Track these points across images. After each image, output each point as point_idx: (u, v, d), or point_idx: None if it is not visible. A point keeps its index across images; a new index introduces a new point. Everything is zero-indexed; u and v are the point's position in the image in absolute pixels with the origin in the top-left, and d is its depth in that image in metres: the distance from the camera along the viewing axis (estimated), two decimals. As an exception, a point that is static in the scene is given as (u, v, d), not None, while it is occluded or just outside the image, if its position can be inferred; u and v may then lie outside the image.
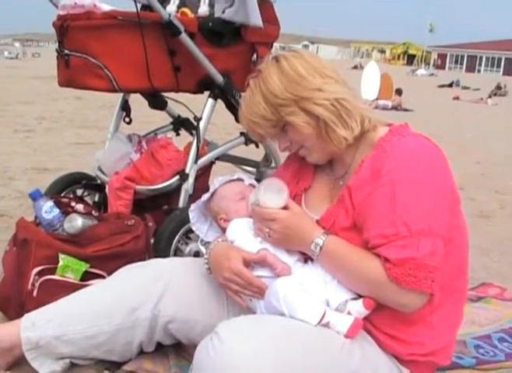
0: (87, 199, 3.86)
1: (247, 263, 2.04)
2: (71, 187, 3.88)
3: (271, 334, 1.86)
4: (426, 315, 2.02)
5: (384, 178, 1.92)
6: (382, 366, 2.04)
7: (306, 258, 2.09)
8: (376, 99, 21.43)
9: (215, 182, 2.31)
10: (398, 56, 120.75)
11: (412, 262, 1.83)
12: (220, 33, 3.39)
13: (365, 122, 2.06)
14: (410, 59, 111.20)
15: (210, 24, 3.36)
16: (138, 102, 4.00)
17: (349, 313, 1.94)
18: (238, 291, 2.05)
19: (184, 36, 3.19)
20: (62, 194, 3.74)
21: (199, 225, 2.35)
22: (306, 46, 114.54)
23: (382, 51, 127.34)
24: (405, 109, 20.03)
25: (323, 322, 1.91)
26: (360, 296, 1.97)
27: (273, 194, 2.04)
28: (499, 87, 37.64)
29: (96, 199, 3.83)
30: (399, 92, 21.26)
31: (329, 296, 1.98)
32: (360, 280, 1.95)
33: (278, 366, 1.79)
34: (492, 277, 4.07)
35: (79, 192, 3.91)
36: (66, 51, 3.13)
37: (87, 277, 2.70)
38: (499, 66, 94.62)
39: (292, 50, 2.13)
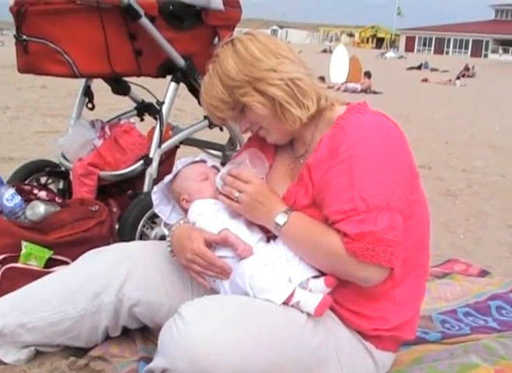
0: (51, 186, 3.82)
1: (209, 244, 2.05)
2: (34, 175, 3.84)
3: (234, 314, 1.89)
4: (388, 290, 2.04)
5: (341, 155, 1.93)
6: (346, 342, 2.06)
7: (269, 237, 2.10)
8: (346, 82, 21.53)
9: (177, 163, 2.32)
10: (367, 39, 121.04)
11: (370, 236, 1.85)
12: (181, 17, 3.37)
13: (321, 100, 2.07)
14: (379, 42, 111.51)
15: (171, 7, 3.33)
16: (105, 89, 3.97)
17: (311, 291, 1.95)
18: (201, 272, 2.06)
19: (145, 20, 3.16)
20: (26, 182, 3.70)
21: (162, 208, 2.35)
22: (275, 30, 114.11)
23: (351, 35, 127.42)
24: (374, 92, 20.09)
25: (293, 301, 1.92)
26: (322, 274, 1.98)
27: (257, 162, 2.10)
28: (467, 68, 37.91)
29: (61, 186, 3.80)
30: (368, 74, 21.32)
31: (291, 274, 1.99)
32: (321, 254, 1.97)
33: (241, 345, 1.81)
34: (459, 254, 4.12)
35: (43, 179, 3.88)
36: (24, 37, 3.10)
37: (51, 263, 2.68)
38: (467, 48, 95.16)
39: (247, 33, 2.14)
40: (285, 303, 1.92)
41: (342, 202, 1.89)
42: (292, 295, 1.92)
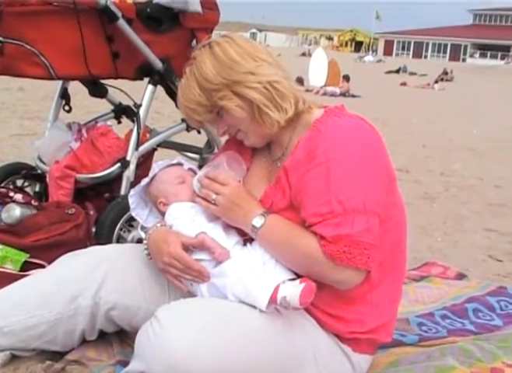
0: (28, 189, 3.80)
1: (186, 247, 2.04)
2: (10, 178, 3.81)
3: (211, 317, 1.88)
4: (365, 293, 2.05)
5: (319, 158, 1.93)
6: (323, 345, 2.07)
7: (245, 240, 2.10)
8: (325, 85, 21.54)
9: (154, 166, 2.30)
10: (346, 43, 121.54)
11: (346, 239, 1.85)
12: (159, 19, 3.38)
13: (299, 103, 2.07)
14: (358, 46, 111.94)
15: (148, 10, 3.33)
16: (83, 91, 3.95)
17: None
18: (178, 275, 2.05)
19: (122, 22, 3.15)
20: (2, 185, 3.67)
21: (139, 211, 2.34)
22: (254, 34, 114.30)
23: (330, 38, 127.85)
24: (353, 95, 20.16)
25: (279, 298, 1.89)
26: (299, 276, 1.98)
27: (234, 164, 2.09)
28: (445, 72, 38.18)
29: (37, 189, 3.78)
30: (347, 78, 21.38)
31: (268, 277, 1.98)
32: (298, 257, 1.97)
33: (218, 348, 1.81)
34: (436, 257, 4.14)
35: (19, 182, 3.85)
36: (0, 38, 3.07)
37: (27, 267, 2.67)
38: (445, 52, 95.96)
39: (225, 36, 2.13)
40: (273, 302, 1.90)
41: (319, 205, 1.90)
42: (276, 293, 1.90)
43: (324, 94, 20.19)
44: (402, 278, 2.29)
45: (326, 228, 1.87)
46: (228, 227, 2.10)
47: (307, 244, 1.91)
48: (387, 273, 2.08)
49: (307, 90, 19.93)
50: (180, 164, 2.33)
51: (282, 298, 1.89)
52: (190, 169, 2.31)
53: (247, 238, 2.09)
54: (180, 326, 1.81)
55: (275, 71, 2.06)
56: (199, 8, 3.41)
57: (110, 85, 3.86)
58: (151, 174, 2.29)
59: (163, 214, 2.22)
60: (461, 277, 3.64)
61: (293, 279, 1.97)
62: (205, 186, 2.07)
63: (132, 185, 3.22)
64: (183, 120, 3.65)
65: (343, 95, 20.21)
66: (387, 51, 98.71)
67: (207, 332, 1.82)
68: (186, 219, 2.12)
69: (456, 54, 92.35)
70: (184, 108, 2.13)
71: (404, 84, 29.58)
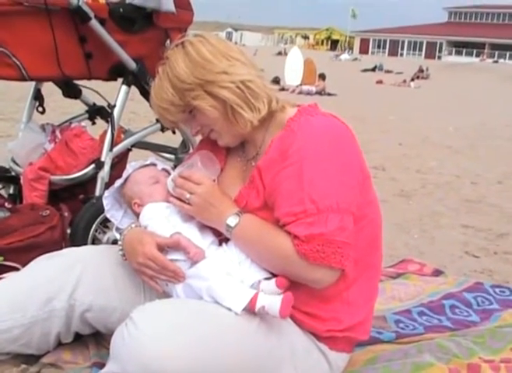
0: (2, 191, 3.76)
1: (161, 248, 2.03)
2: (-17, 180, 3.78)
3: (186, 318, 1.88)
4: (341, 291, 2.06)
5: (292, 157, 1.93)
6: (300, 344, 2.07)
7: (220, 241, 2.09)
8: (301, 84, 21.57)
9: (128, 167, 2.30)
10: (322, 41, 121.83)
11: (320, 238, 1.85)
12: (132, 19, 3.35)
13: (272, 102, 2.07)
14: (334, 44, 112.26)
15: (121, 10, 3.31)
16: (58, 92, 3.92)
17: (262, 292, 1.94)
18: (153, 275, 2.05)
19: (95, 23, 3.14)
20: (-26, 188, 3.64)
21: (113, 212, 2.33)
22: (229, 33, 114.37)
23: (305, 37, 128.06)
24: (329, 94, 20.22)
25: (257, 307, 1.89)
26: (274, 276, 1.98)
27: (208, 163, 2.08)
28: (421, 70, 38.46)
29: (11, 191, 3.74)
30: (323, 77, 21.43)
31: (243, 276, 1.98)
32: (272, 256, 1.97)
33: (192, 349, 1.80)
34: (413, 254, 4.17)
35: (-7, 185, 3.81)
36: (-29, 40, 3.04)
37: (1, 270, 2.64)
38: (421, 50, 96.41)
39: (198, 35, 2.12)
40: (251, 310, 1.91)
41: (292, 204, 1.90)
42: (254, 301, 1.90)
43: (300, 93, 20.22)
44: (378, 276, 2.30)
45: (299, 228, 1.87)
46: (203, 227, 2.09)
47: (281, 243, 1.91)
48: (362, 271, 2.09)
49: (283, 89, 19.97)
50: (153, 164, 2.32)
51: (261, 307, 1.90)
52: (163, 170, 2.30)
53: (222, 239, 2.09)
54: (155, 327, 1.80)
55: (248, 70, 2.05)
56: (173, 8, 3.39)
57: (83, 86, 3.84)
58: (124, 175, 2.28)
59: (137, 214, 2.21)
60: (437, 273, 3.67)
61: (268, 278, 1.97)
62: (179, 186, 2.06)
63: (107, 186, 3.20)
64: (157, 120, 3.64)
65: (319, 93, 20.26)
66: (363, 49, 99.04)
67: (181, 332, 1.81)
68: (161, 219, 2.11)
69: (431, 51, 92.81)
70: (157, 108, 2.12)
71: (380, 82, 29.73)
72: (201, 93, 2.01)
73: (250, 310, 1.90)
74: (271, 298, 1.91)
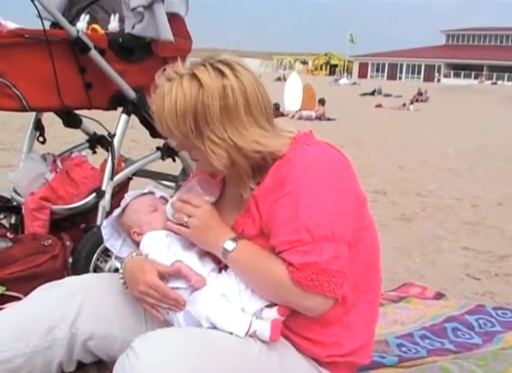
0: (3, 221, 3.78)
1: (162, 276, 2.03)
2: (-15, 211, 3.80)
3: (188, 347, 1.86)
4: (341, 316, 2.05)
5: (288, 186, 1.93)
6: (301, 370, 2.06)
7: (221, 268, 2.10)
8: (300, 109, 21.62)
9: (126, 196, 2.30)
10: (321, 66, 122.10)
11: (314, 266, 1.86)
12: (131, 49, 3.40)
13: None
14: (332, 69, 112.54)
15: (120, 40, 3.36)
16: (58, 122, 3.95)
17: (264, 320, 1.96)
18: (154, 304, 2.04)
19: (94, 53, 3.18)
20: (-23, 218, 3.66)
21: (113, 242, 2.33)
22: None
23: (304, 62, 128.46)
24: (329, 119, 20.29)
25: (251, 331, 1.92)
26: (275, 303, 1.98)
27: (207, 187, 2.09)
28: (420, 93, 38.53)
29: (13, 221, 3.76)
30: (322, 102, 21.50)
31: (244, 304, 1.99)
32: (267, 282, 1.97)
33: (195, 376, 1.79)
34: (414, 278, 4.17)
35: (-5, 215, 3.83)
36: (-28, 71, 3.07)
37: (3, 300, 2.65)
38: (419, 73, 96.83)
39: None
40: (246, 334, 1.92)
41: (288, 233, 1.90)
42: (250, 326, 1.92)
43: (300, 118, 20.29)
44: (378, 299, 2.29)
45: (294, 256, 1.88)
46: (203, 255, 2.10)
47: (276, 270, 1.92)
48: (361, 296, 2.09)
49: (283, 114, 20.02)
50: (151, 193, 2.32)
51: (253, 332, 1.92)
52: (162, 197, 2.30)
53: (221, 266, 2.09)
54: (156, 357, 1.79)
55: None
56: (171, 37, 3.43)
57: (84, 116, 3.86)
58: (123, 204, 2.28)
59: (137, 243, 2.21)
60: (439, 296, 3.67)
61: (269, 306, 1.98)
62: (178, 209, 2.06)
63: (108, 215, 3.22)
64: (157, 149, 3.66)
65: (319, 118, 20.33)
66: (362, 74, 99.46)
67: (183, 361, 1.81)
68: (161, 248, 2.11)
69: (430, 74, 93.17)
70: (164, 121, 1.99)
71: (379, 106, 29.81)
72: (221, 143, 1.96)
73: (246, 334, 1.92)
74: (262, 323, 1.94)
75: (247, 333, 1.92)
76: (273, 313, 1.96)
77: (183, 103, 1.93)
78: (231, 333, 1.92)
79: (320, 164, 1.97)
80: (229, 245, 1.99)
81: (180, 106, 1.94)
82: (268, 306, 1.98)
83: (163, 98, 1.97)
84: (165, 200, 2.27)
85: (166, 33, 3.41)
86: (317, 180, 1.93)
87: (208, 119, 1.94)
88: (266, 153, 1.99)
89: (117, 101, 3.46)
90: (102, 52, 3.24)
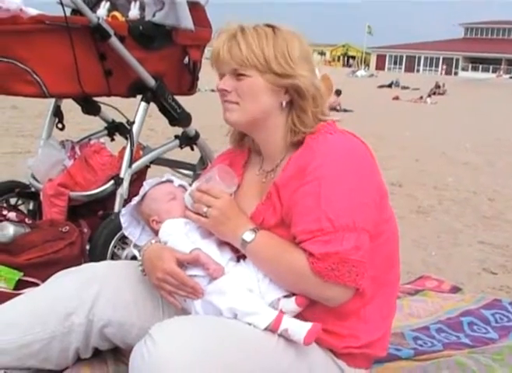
0: (22, 207, 3.80)
1: (181, 264, 2.03)
2: (4, 196, 3.81)
3: (205, 334, 1.86)
4: (358, 309, 2.05)
5: (310, 175, 1.92)
6: (318, 360, 2.05)
7: (239, 257, 2.10)
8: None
9: (144, 185, 2.29)
10: (338, 58, 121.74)
11: (335, 256, 1.85)
12: (151, 36, 3.39)
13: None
14: (349, 61, 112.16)
15: (140, 27, 3.35)
16: (77, 109, 3.96)
17: (282, 311, 1.95)
18: (172, 291, 2.04)
19: (114, 40, 3.17)
20: (-5, 203, 3.67)
21: (131, 230, 2.33)
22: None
23: (322, 53, 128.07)
24: (345, 110, 20.19)
25: (280, 329, 1.90)
26: (293, 294, 1.98)
27: (226, 177, 2.07)
28: (437, 86, 38.27)
29: (31, 207, 3.78)
30: (338, 92, 21.41)
31: (262, 293, 1.98)
32: (286, 273, 1.96)
33: (212, 365, 1.79)
34: (430, 271, 4.15)
35: (13, 201, 3.85)
36: (-8, 56, 3.08)
37: (21, 285, 2.66)
38: (437, 66, 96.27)
39: None
40: (273, 331, 1.91)
41: (309, 222, 1.89)
42: (279, 322, 1.91)
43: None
44: (396, 293, 2.29)
45: (315, 245, 1.87)
46: (222, 244, 2.10)
47: (296, 261, 1.91)
48: (379, 289, 2.08)
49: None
50: (170, 181, 2.32)
51: (284, 330, 1.91)
52: (180, 186, 2.30)
53: (239, 255, 2.09)
54: (174, 344, 1.79)
55: None
56: (191, 25, 3.42)
57: (103, 103, 3.87)
58: (141, 192, 2.28)
59: (156, 231, 2.21)
60: (455, 290, 3.65)
61: (288, 296, 1.98)
62: (197, 199, 2.06)
63: (126, 202, 3.22)
64: (176, 137, 3.66)
65: (335, 109, 20.24)
66: (380, 66, 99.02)
67: (201, 349, 1.80)
68: (180, 236, 2.11)
69: (448, 67, 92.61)
70: (226, 48, 2.01)
71: (396, 98, 29.67)
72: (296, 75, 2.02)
73: (273, 330, 1.91)
74: (298, 324, 1.92)
75: (276, 330, 1.91)
76: (291, 303, 1.96)
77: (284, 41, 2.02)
78: (249, 324, 1.92)
79: (343, 153, 1.97)
80: (248, 236, 1.99)
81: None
82: (286, 296, 1.98)
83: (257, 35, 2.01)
84: (183, 188, 2.27)
85: (187, 21, 3.40)
86: (339, 169, 1.93)
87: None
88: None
89: (136, 89, 3.46)
90: (122, 39, 3.24)
